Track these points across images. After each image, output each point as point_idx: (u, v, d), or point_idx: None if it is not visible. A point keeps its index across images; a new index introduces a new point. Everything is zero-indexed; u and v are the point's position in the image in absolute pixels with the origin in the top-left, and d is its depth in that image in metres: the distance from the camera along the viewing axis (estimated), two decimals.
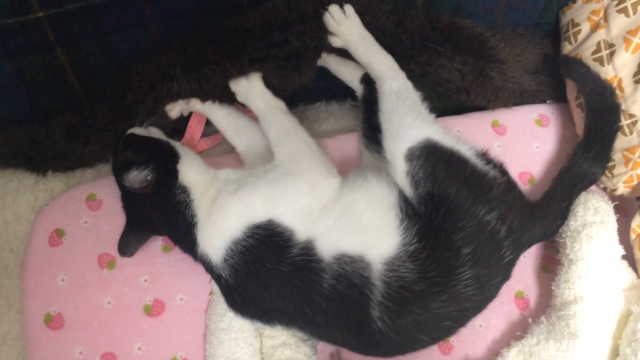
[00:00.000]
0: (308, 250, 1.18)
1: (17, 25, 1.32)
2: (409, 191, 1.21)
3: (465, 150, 1.26)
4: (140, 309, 1.39)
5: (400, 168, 1.22)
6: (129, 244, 1.36)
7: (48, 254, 1.41)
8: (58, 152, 1.50)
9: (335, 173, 1.31)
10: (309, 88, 1.49)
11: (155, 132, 1.42)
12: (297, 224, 1.21)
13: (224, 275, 1.23)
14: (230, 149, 1.53)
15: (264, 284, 1.21)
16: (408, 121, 1.25)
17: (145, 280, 1.41)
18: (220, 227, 1.23)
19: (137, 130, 1.38)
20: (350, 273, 1.16)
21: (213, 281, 1.32)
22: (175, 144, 1.37)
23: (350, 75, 1.50)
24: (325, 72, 1.54)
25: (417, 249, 1.17)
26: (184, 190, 1.28)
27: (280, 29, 1.39)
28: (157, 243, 1.44)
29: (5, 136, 1.50)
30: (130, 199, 1.34)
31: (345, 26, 1.37)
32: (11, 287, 1.46)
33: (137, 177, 1.26)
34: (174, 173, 1.29)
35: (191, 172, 1.31)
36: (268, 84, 1.44)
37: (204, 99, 1.47)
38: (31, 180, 1.54)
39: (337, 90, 1.59)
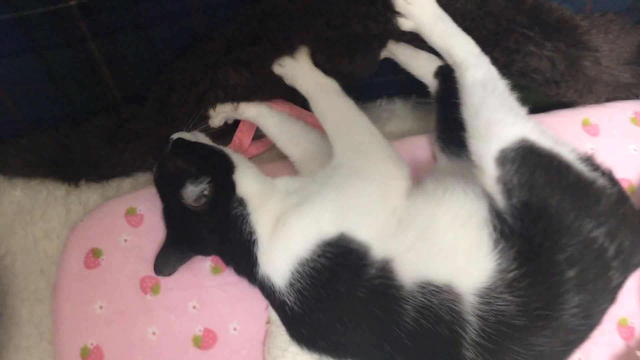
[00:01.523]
0: (386, 273, 1.03)
1: (46, 16, 1.19)
2: (500, 201, 1.05)
3: (567, 153, 1.08)
4: (189, 341, 1.24)
5: (490, 173, 1.05)
6: (167, 262, 1.23)
7: (84, 277, 1.27)
8: (92, 159, 1.37)
9: (407, 171, 1.16)
10: (367, 84, 1.34)
11: (202, 138, 1.27)
12: (372, 239, 1.06)
13: (288, 302, 1.08)
14: (283, 155, 1.38)
15: (337, 312, 1.05)
16: (499, 117, 1.07)
17: (194, 307, 1.26)
18: (285, 245, 1.09)
19: (185, 136, 1.23)
20: (437, 306, 1.01)
21: (270, 308, 1.18)
22: (229, 152, 1.22)
23: (422, 69, 1.32)
24: (386, 66, 1.37)
25: (517, 277, 1.01)
26: (241, 203, 1.13)
27: (342, 9, 1.23)
28: (205, 263, 1.29)
29: (33, 142, 1.38)
30: (175, 214, 1.18)
31: (417, 5, 1.19)
32: (42, 315, 1.32)
33: (194, 192, 1.10)
34: (230, 185, 1.15)
35: (248, 182, 1.16)
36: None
37: (255, 92, 1.31)
38: (62, 192, 1.42)
39: (400, 86, 1.44)
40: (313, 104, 1.23)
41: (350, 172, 1.13)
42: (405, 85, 1.41)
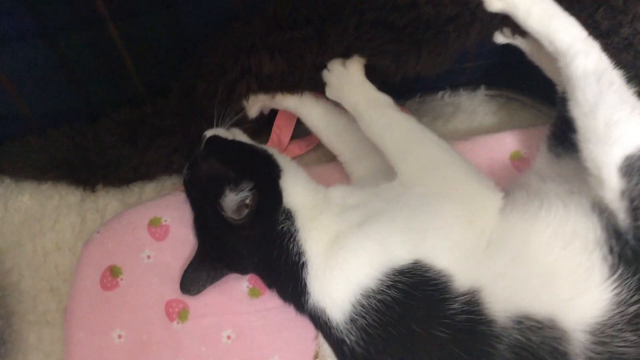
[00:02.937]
0: (474, 306, 0.88)
1: None
2: (623, 220, 0.88)
3: None
4: None
5: (612, 186, 0.89)
6: (196, 280, 1.08)
7: (100, 300, 1.13)
8: (110, 160, 1.24)
9: (495, 187, 0.99)
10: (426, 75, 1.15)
11: (240, 135, 1.12)
12: (455, 266, 0.91)
13: (348, 341, 0.92)
14: (330, 156, 1.22)
15: (412, 356, 0.89)
16: (621, 116, 0.90)
17: (229, 337, 1.11)
18: (346, 273, 0.93)
19: (219, 132, 1.09)
20: (538, 345, 0.84)
21: (321, 339, 1.04)
22: (273, 152, 1.07)
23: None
24: None
25: None
26: (288, 216, 0.98)
27: None
28: (241, 285, 1.13)
29: (43, 140, 1.26)
30: (208, 225, 1.03)
31: None
32: (52, 340, 1.18)
33: (234, 201, 0.94)
34: (276, 194, 1.00)
35: (297, 191, 1.01)
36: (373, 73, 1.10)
37: (293, 87, 1.14)
38: (76, 197, 1.28)
39: (466, 75, 1.28)
40: (363, 122, 1.06)
41: (426, 191, 0.97)
42: (472, 74, 1.27)
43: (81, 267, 1.15)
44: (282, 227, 0.97)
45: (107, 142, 1.23)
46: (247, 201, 0.95)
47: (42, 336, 1.19)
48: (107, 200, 1.28)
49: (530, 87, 1.29)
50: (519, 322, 0.85)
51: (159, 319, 1.11)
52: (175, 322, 1.11)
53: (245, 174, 0.98)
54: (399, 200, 0.97)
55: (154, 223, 1.18)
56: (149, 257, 1.16)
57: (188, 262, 1.10)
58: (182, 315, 1.11)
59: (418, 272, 0.90)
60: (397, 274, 0.90)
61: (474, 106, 1.33)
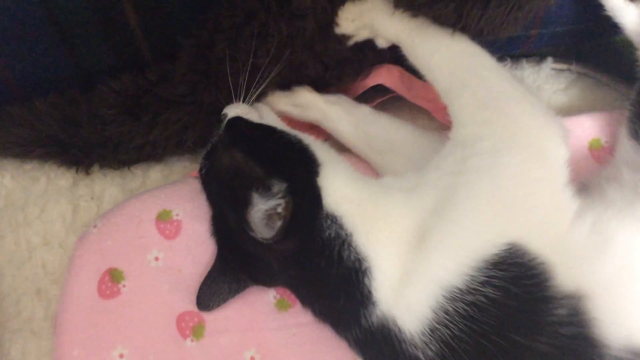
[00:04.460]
0: (581, 318, 0.75)
1: None
2: None
3: None
4: None
5: None
6: (216, 294, 0.96)
7: (98, 311, 0.98)
8: (108, 137, 1.11)
9: (564, 131, 0.86)
10: (482, 39, 1.01)
11: (269, 115, 0.99)
12: (554, 255, 0.78)
13: (423, 357, 0.80)
14: None
15: None
16: None
17: (252, 358, 0.97)
18: (425, 272, 0.82)
19: (243, 110, 0.95)
20: None
21: None
22: (310, 140, 0.92)
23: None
24: None
25: None
26: (334, 220, 0.85)
27: None
28: (267, 296, 1.00)
29: (28, 112, 1.12)
30: (230, 229, 0.90)
31: None
32: (39, 354, 1.02)
33: (262, 210, 0.80)
34: (315, 195, 0.86)
35: (340, 188, 0.87)
36: None
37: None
38: (68, 181, 1.14)
39: (527, 44, 1.13)
40: (411, 50, 0.94)
41: (493, 146, 0.84)
42: (535, 43, 1.13)
43: (74, 269, 1.01)
44: (329, 234, 0.84)
45: (104, 116, 1.10)
46: (279, 210, 0.81)
47: (26, 348, 1.04)
48: (105, 185, 1.14)
49: (606, 63, 1.16)
50: (636, 355, 0.73)
51: (169, 336, 0.97)
52: (188, 340, 0.98)
53: (276, 171, 0.85)
54: (467, 167, 0.83)
55: (163, 217, 1.03)
56: (157, 259, 1.02)
57: (204, 267, 0.97)
58: (197, 331, 0.98)
59: (515, 261, 0.77)
60: (490, 266, 0.77)
61: (540, 82, 1.19)
